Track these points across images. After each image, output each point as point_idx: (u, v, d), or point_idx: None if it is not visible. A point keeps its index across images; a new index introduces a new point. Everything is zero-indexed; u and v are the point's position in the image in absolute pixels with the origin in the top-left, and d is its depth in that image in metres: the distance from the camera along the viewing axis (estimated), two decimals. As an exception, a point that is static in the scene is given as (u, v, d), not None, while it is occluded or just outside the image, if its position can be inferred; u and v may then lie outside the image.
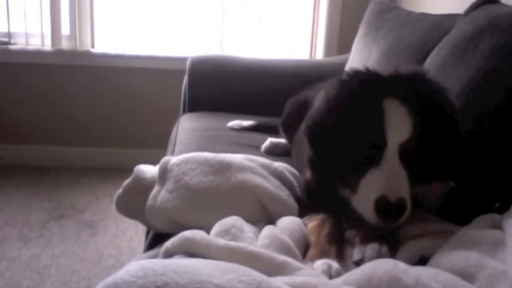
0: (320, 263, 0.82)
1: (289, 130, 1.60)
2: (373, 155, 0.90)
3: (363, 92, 0.93)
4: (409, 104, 0.91)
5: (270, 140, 1.67)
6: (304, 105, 1.59)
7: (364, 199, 0.89)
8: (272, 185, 1.08)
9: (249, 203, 1.04)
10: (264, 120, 1.95)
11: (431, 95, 0.95)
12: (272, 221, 1.01)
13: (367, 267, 0.70)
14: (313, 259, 0.85)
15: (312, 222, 0.97)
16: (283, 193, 1.09)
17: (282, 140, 1.67)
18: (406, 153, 0.89)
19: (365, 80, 0.97)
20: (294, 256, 0.85)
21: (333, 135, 0.94)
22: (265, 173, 1.11)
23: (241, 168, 1.09)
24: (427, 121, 0.91)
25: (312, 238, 0.92)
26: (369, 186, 0.89)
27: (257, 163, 1.14)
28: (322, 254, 0.86)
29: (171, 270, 0.58)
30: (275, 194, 1.06)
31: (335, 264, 0.82)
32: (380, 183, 0.87)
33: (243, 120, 1.95)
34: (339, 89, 0.97)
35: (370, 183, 0.89)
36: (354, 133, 0.91)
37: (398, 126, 0.89)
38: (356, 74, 0.99)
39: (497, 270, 0.68)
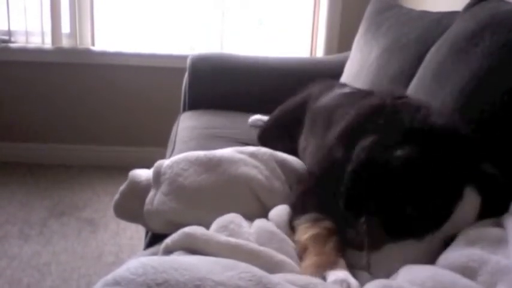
0: (337, 280, 0.75)
1: (267, 144, 1.58)
2: (420, 228, 0.81)
3: (447, 168, 0.83)
4: (483, 196, 0.83)
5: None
6: (288, 116, 1.62)
7: (388, 268, 0.79)
8: (265, 176, 1.08)
9: (245, 197, 1.05)
10: None
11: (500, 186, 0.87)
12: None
13: None
14: (321, 269, 0.79)
15: (315, 229, 0.89)
16: (277, 183, 1.09)
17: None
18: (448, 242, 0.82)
19: (454, 151, 0.85)
20: (281, 240, 0.85)
21: (397, 189, 0.82)
22: (257, 163, 1.11)
23: (233, 161, 1.09)
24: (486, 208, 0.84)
25: (315, 249, 0.85)
26: (400, 258, 0.79)
27: (246, 153, 1.14)
28: (331, 265, 0.80)
29: (171, 267, 0.58)
30: (269, 186, 1.06)
31: (353, 281, 0.76)
32: (417, 260, 0.78)
33: (261, 115, 1.95)
34: (422, 147, 0.85)
35: (404, 255, 0.79)
36: (418, 199, 0.80)
37: (464, 219, 0.81)
38: (444, 136, 0.87)
39: (500, 265, 0.68)
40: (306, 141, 1.42)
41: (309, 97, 1.57)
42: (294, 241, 0.91)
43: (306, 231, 0.90)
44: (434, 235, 0.80)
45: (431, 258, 0.79)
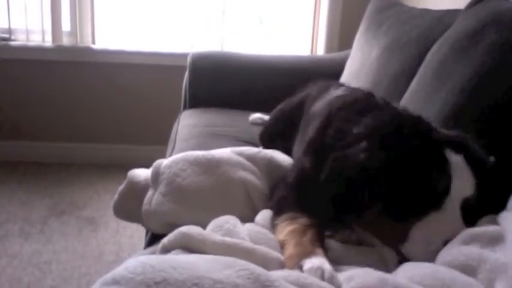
0: (312, 267, 0.77)
1: (268, 143, 1.58)
2: (431, 201, 0.88)
3: (424, 146, 0.91)
4: (470, 164, 0.90)
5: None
6: (286, 116, 1.61)
7: (426, 242, 0.85)
8: (261, 182, 1.09)
9: (241, 201, 1.06)
10: None
11: (482, 161, 0.94)
12: None
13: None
14: (298, 258, 0.81)
15: (292, 226, 0.93)
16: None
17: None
18: (465, 210, 0.88)
19: (423, 134, 0.94)
20: (269, 239, 0.88)
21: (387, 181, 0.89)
22: (254, 168, 1.12)
23: (231, 163, 1.10)
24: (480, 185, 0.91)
25: (292, 240, 0.88)
26: (432, 229, 0.86)
27: (245, 156, 1.14)
28: (309, 254, 0.82)
29: (170, 266, 0.58)
30: (264, 191, 1.08)
31: (327, 266, 0.78)
32: (446, 227, 0.85)
33: (262, 114, 1.96)
34: (394, 140, 0.92)
35: (433, 226, 0.86)
36: (412, 179, 0.88)
37: (463, 179, 0.89)
38: (410, 127, 0.95)
39: (498, 263, 0.69)
40: (298, 147, 1.41)
41: (306, 98, 1.56)
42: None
43: (283, 230, 0.94)
44: (449, 201, 0.87)
45: (460, 225, 0.85)
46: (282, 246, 0.89)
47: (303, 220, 0.94)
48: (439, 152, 0.90)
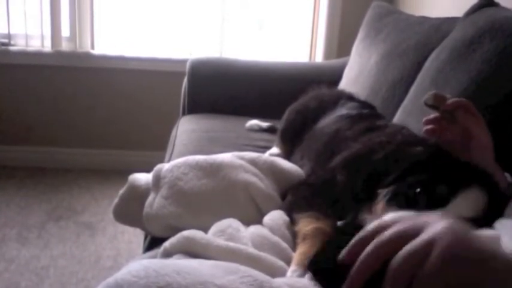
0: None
1: (288, 140, 1.56)
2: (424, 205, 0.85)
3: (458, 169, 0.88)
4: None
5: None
6: (305, 113, 1.56)
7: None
8: (265, 185, 1.09)
9: (244, 203, 1.05)
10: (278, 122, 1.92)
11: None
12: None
13: None
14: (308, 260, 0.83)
15: (319, 224, 0.93)
16: (275, 192, 1.10)
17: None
18: None
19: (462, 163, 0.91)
20: (281, 250, 0.86)
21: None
22: (257, 171, 1.12)
23: (233, 166, 1.10)
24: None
25: (313, 239, 0.88)
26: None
27: (247, 159, 1.15)
28: None
29: (173, 270, 0.58)
30: (267, 194, 1.07)
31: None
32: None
33: (259, 121, 1.96)
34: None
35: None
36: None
37: (463, 206, 0.83)
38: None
39: None
40: (301, 160, 1.39)
41: (314, 105, 1.55)
42: (294, 231, 0.94)
43: (308, 224, 0.93)
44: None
45: None
46: (301, 237, 0.90)
47: (329, 221, 0.94)
48: (467, 179, 0.85)
